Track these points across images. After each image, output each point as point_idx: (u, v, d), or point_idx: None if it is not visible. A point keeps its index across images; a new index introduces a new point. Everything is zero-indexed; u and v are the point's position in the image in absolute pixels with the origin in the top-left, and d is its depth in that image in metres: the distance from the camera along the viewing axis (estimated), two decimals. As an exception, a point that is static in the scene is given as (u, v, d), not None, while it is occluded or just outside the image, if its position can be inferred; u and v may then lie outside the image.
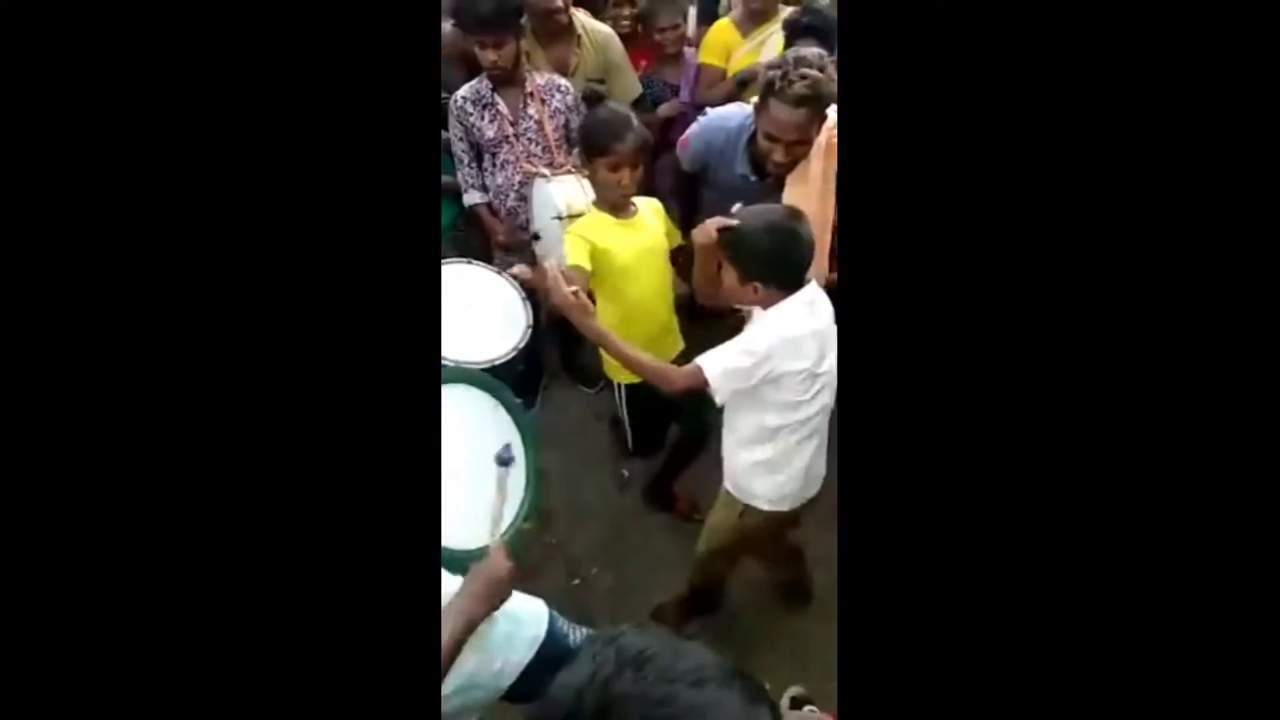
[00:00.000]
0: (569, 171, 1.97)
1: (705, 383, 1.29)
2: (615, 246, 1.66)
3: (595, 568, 1.99)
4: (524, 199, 2.06)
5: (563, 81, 2.03)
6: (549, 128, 2.00)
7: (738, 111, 1.79)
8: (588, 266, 1.63)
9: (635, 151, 1.56)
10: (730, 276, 1.38)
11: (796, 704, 1.59)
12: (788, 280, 1.32)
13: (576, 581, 1.97)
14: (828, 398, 1.38)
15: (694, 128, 1.87)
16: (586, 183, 1.96)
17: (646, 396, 1.68)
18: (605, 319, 1.55)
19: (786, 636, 1.76)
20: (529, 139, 2.01)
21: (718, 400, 1.34)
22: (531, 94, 1.97)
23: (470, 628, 0.95)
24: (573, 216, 1.94)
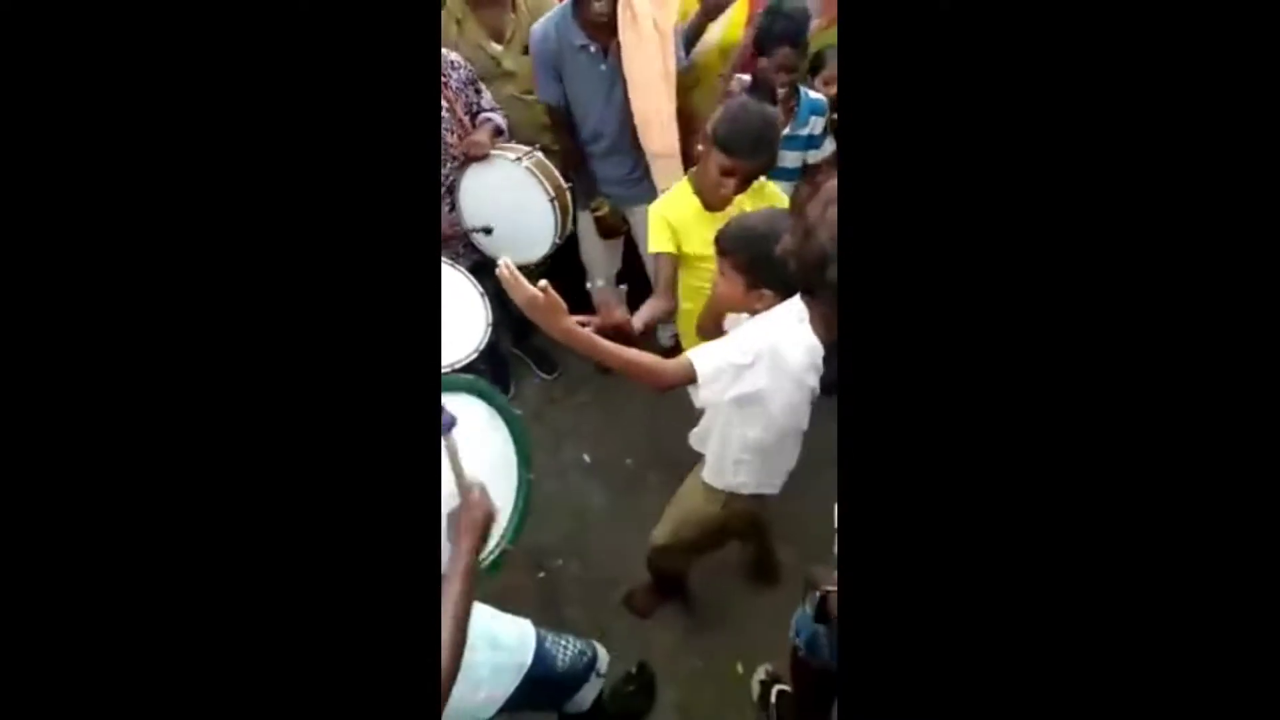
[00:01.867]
0: (509, 155, 1.90)
1: (694, 378, 1.22)
2: (702, 242, 1.54)
3: (560, 559, 1.98)
4: (449, 190, 1.97)
5: (453, 56, 1.92)
6: (458, 109, 1.91)
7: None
8: (673, 249, 1.59)
9: (758, 169, 1.47)
10: (733, 287, 1.30)
11: (768, 684, 1.65)
12: (791, 282, 1.22)
13: (542, 574, 1.95)
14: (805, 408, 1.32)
15: (531, 42, 1.91)
16: (531, 159, 1.90)
17: None
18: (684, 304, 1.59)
19: (755, 616, 1.80)
20: (444, 127, 1.90)
21: (696, 402, 1.28)
22: None
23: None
24: (560, 194, 1.89)
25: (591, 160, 2.04)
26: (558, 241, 1.97)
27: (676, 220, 1.60)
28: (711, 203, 1.55)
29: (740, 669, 1.71)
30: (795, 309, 1.23)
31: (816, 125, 1.99)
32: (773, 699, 1.60)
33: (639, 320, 1.47)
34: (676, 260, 1.63)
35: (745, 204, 1.58)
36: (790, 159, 1.99)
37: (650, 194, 2.07)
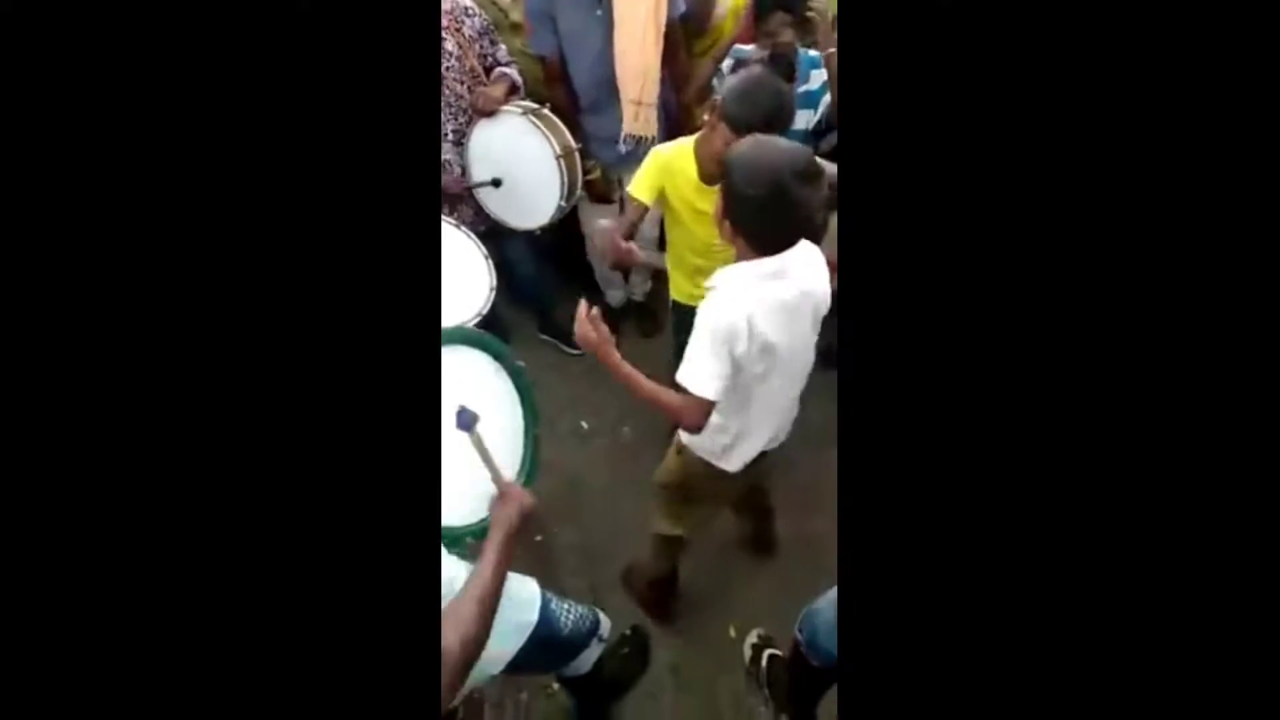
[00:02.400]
0: (516, 110, 1.86)
1: (711, 404, 1.18)
2: (686, 201, 1.55)
3: (556, 525, 2.00)
4: (459, 145, 1.94)
5: (467, 2, 1.87)
6: (471, 57, 1.86)
7: None
8: (648, 203, 1.56)
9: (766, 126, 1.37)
10: (719, 207, 1.19)
11: (759, 647, 1.68)
12: (771, 247, 1.15)
13: (539, 539, 1.97)
14: (789, 372, 1.27)
15: None
16: (542, 118, 1.87)
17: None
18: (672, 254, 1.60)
19: (747, 581, 1.83)
20: (454, 78, 1.85)
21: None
22: (447, 27, 1.81)
23: (503, 575, 0.93)
24: (567, 153, 1.86)
25: (584, 117, 2.00)
26: (563, 205, 1.94)
27: (670, 180, 1.56)
28: (710, 175, 1.51)
29: (733, 632, 1.75)
30: (771, 265, 1.15)
31: (815, 80, 1.97)
32: (764, 662, 1.64)
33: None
34: (644, 212, 1.60)
35: None
36: (801, 118, 1.96)
37: (641, 160, 2.07)
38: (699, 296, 1.27)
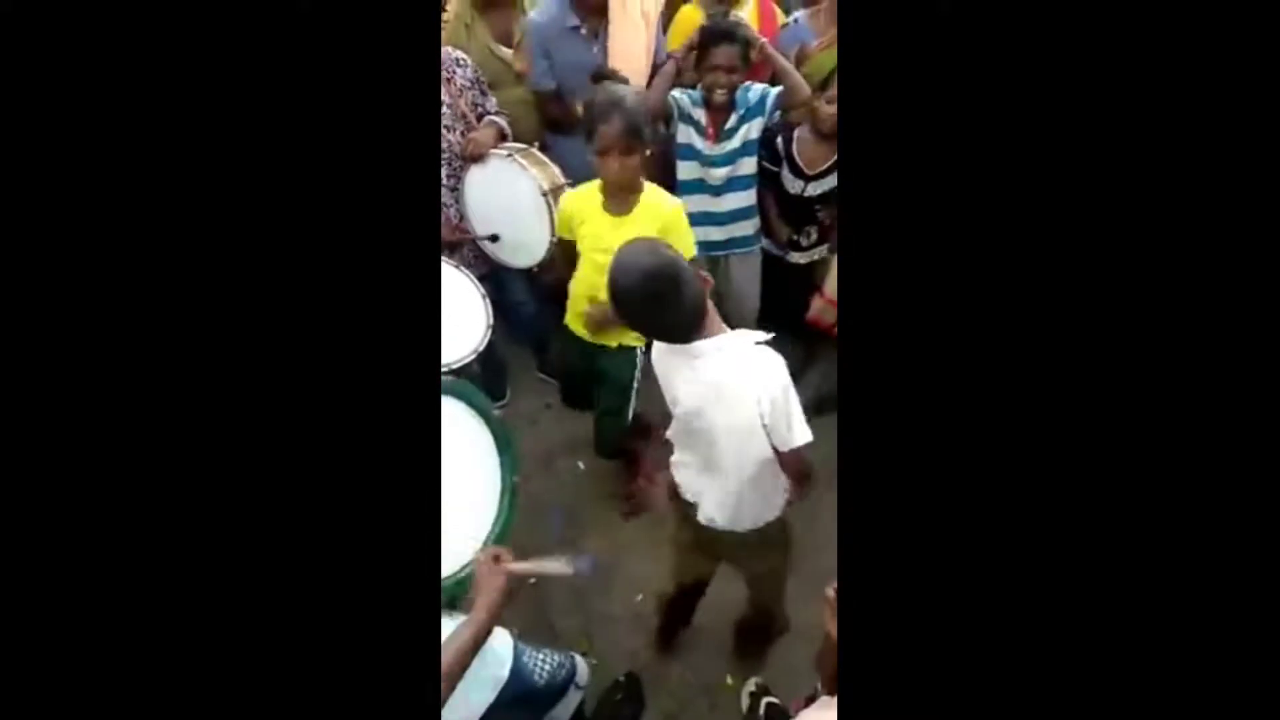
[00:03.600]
0: (503, 153, 1.91)
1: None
2: (594, 237, 1.61)
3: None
4: (454, 190, 1.98)
5: (457, 54, 1.93)
6: (462, 105, 1.92)
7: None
8: (567, 236, 1.66)
9: (620, 136, 1.47)
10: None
11: (757, 695, 1.64)
12: (665, 338, 1.20)
13: (532, 580, 1.94)
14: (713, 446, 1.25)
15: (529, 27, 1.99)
16: (529, 158, 1.91)
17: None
18: (575, 288, 1.66)
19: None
20: (446, 125, 1.91)
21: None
22: None
23: (478, 642, 0.92)
24: (555, 191, 1.90)
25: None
26: (554, 240, 1.95)
27: (577, 214, 1.67)
28: (610, 195, 1.60)
29: (730, 680, 1.70)
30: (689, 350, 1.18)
31: (751, 130, 1.98)
32: (761, 711, 1.59)
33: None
34: (565, 245, 1.74)
35: (644, 208, 1.60)
36: (715, 175, 2.02)
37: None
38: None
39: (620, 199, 1.59)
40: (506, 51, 2.10)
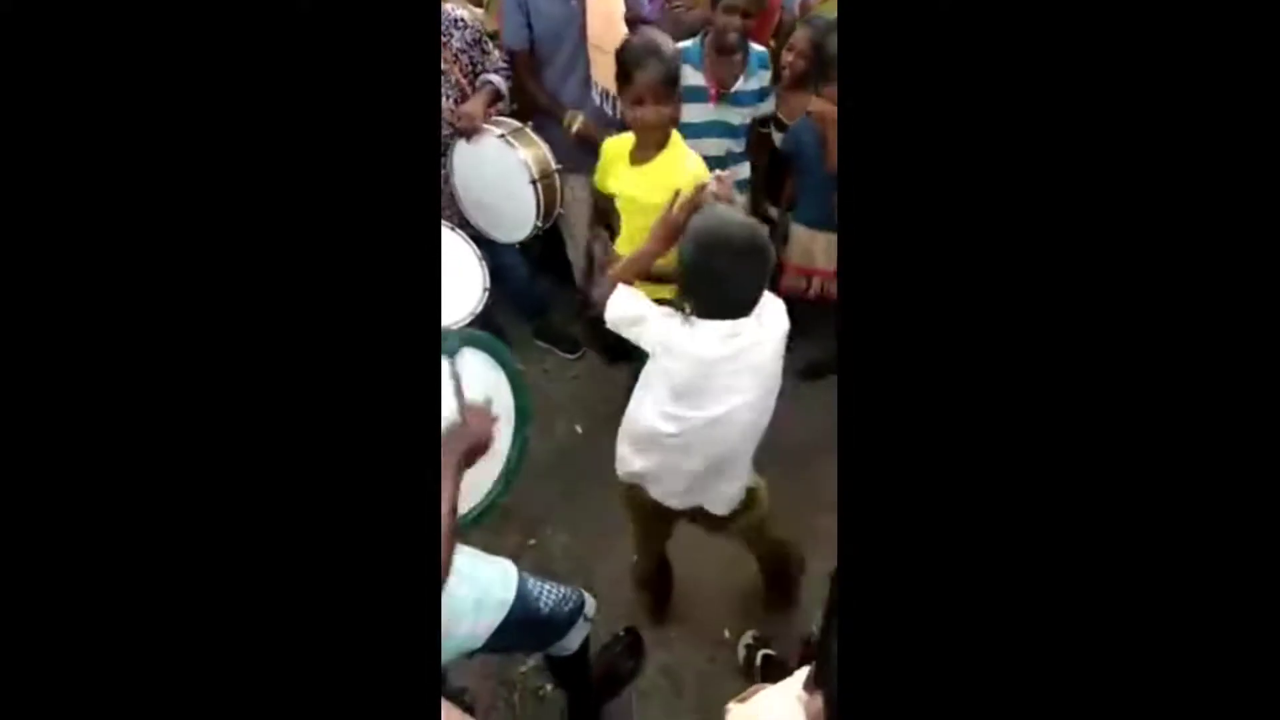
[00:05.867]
0: (495, 132, 1.87)
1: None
2: (617, 182, 1.60)
3: (550, 528, 2.00)
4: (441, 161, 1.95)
5: (460, 13, 1.88)
6: (457, 72, 1.88)
7: None
8: (603, 190, 1.65)
9: (658, 84, 1.44)
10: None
11: (753, 648, 1.68)
12: (716, 313, 1.19)
13: (532, 542, 1.97)
14: (707, 435, 1.27)
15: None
16: (520, 137, 1.89)
17: None
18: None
19: (740, 582, 1.83)
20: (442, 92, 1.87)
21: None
22: None
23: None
24: (544, 176, 1.88)
25: (560, 103, 2.01)
26: (540, 225, 1.95)
27: (610, 166, 1.66)
28: (637, 143, 1.58)
29: (727, 634, 1.74)
30: (726, 328, 1.19)
31: (764, 78, 2.02)
32: (758, 662, 1.64)
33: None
34: (602, 196, 1.72)
35: (666, 159, 1.58)
36: (738, 115, 2.01)
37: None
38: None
39: (648, 148, 1.57)
40: (479, 11, 2.06)
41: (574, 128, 1.99)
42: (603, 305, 1.29)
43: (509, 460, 1.15)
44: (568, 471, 2.13)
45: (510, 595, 1.20)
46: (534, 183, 1.86)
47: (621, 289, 1.28)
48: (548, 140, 1.94)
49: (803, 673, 0.79)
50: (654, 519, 1.51)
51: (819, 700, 0.73)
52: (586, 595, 1.38)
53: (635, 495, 1.46)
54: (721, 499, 1.40)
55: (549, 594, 1.28)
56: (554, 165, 1.92)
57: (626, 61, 1.46)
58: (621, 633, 1.72)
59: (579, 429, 2.26)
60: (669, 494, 1.40)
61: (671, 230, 1.25)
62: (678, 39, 1.98)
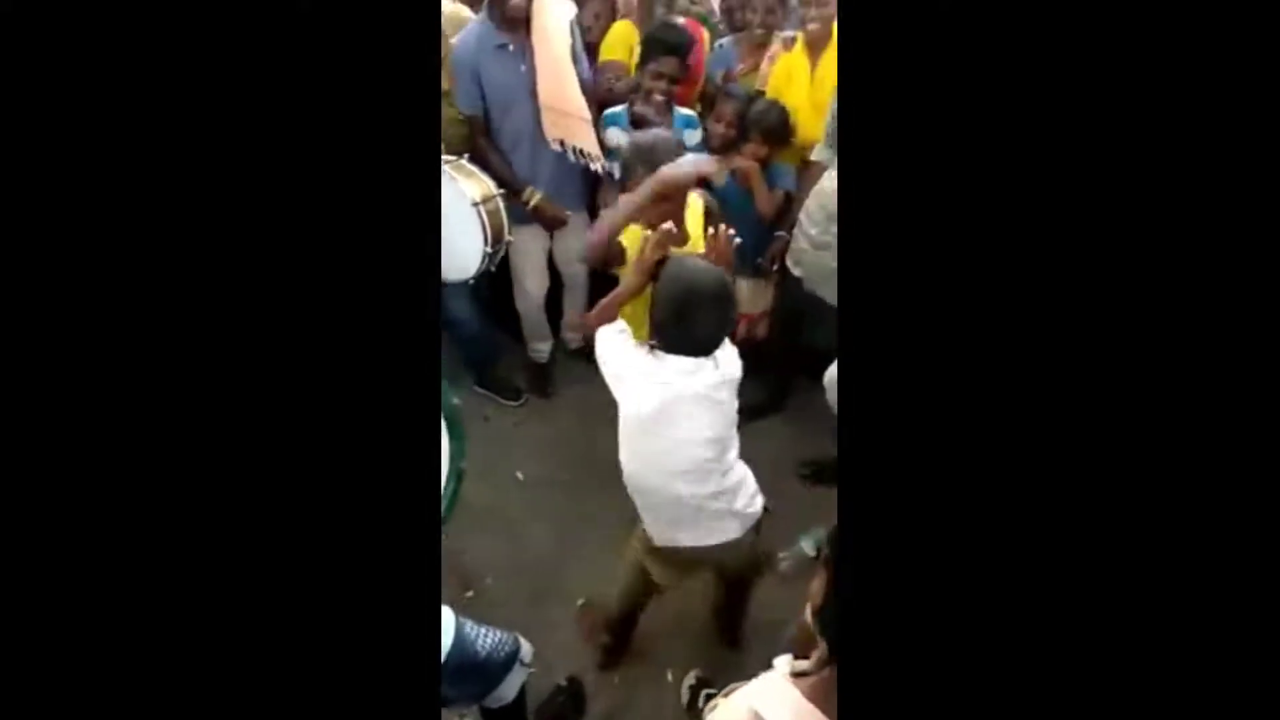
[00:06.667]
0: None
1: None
2: (632, 244, 1.61)
3: (490, 577, 1.96)
4: None
5: None
6: None
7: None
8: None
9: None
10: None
11: (697, 689, 1.67)
12: (679, 349, 1.29)
13: (469, 594, 1.92)
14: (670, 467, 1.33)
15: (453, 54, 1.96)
16: (458, 170, 1.92)
17: None
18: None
19: (682, 624, 1.82)
20: None
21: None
22: None
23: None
24: (486, 199, 1.90)
25: (516, 165, 2.07)
26: (489, 251, 1.96)
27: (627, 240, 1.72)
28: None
29: (670, 676, 1.72)
30: (686, 364, 1.28)
31: (694, 138, 2.15)
32: (701, 704, 1.62)
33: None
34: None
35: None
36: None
37: (580, 197, 2.16)
38: None
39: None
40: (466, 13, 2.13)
41: (531, 203, 2.07)
42: (581, 335, 1.38)
43: (444, 496, 1.15)
44: (508, 518, 2.10)
45: (449, 640, 1.17)
46: (476, 205, 1.89)
47: (603, 329, 1.37)
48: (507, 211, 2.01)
49: (783, 660, 0.80)
50: (676, 573, 1.53)
51: (815, 679, 0.74)
52: (523, 640, 1.36)
53: (666, 554, 1.47)
54: (730, 525, 1.44)
55: (485, 637, 1.26)
56: (496, 191, 1.96)
57: (625, 166, 1.59)
58: (564, 683, 1.68)
59: (520, 476, 2.24)
60: (685, 535, 1.43)
61: (643, 270, 1.38)
62: (609, 106, 2.11)
